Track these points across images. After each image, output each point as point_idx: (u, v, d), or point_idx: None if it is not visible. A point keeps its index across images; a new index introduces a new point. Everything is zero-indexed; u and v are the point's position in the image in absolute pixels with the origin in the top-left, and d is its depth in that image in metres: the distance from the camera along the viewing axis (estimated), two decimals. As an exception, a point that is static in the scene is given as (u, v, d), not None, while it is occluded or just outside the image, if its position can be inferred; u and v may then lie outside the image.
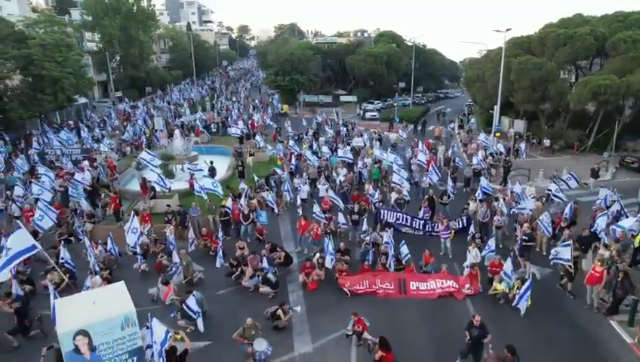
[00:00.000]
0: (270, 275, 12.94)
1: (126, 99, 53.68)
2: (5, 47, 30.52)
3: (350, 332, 10.71)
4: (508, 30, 28.78)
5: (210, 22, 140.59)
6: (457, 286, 12.88)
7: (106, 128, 36.98)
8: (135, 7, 56.44)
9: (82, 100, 44.75)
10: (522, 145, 27.78)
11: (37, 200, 19.18)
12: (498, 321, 11.29)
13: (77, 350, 5.53)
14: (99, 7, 53.27)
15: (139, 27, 57.01)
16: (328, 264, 13.63)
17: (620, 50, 28.10)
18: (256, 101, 55.40)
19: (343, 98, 60.06)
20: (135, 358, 6.15)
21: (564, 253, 12.53)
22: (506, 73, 29.78)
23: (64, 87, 32.12)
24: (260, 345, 9.78)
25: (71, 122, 38.54)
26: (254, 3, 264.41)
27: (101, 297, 6.11)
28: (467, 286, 12.87)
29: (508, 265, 12.42)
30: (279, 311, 11.16)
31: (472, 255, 13.66)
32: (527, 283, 11.66)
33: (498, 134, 28.13)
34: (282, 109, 48.74)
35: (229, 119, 38.21)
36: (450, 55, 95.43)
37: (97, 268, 13.39)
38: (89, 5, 53.54)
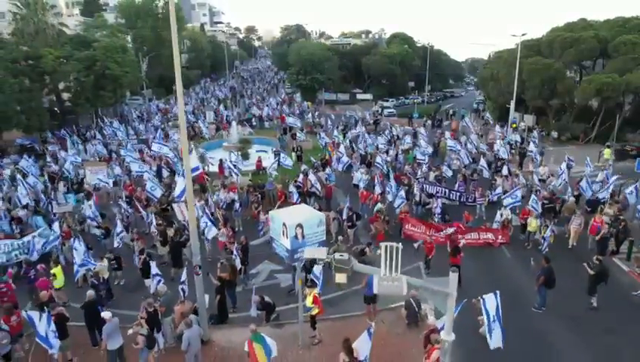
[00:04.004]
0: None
1: (154, 97, 57.66)
2: (71, 50, 34.23)
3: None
4: (523, 35, 32.57)
5: (220, 22, 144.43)
6: (494, 238, 16.64)
7: (151, 121, 40.81)
8: (165, 11, 60.12)
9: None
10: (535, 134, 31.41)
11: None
12: (527, 259, 14.93)
13: (296, 236, 9.19)
14: (132, 11, 57.12)
15: (169, 29, 60.54)
16: (396, 204, 17.78)
17: (621, 51, 31.76)
18: (279, 99, 59.19)
19: (359, 96, 63.84)
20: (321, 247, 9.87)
21: None
22: (518, 72, 33.50)
23: (123, 85, 35.83)
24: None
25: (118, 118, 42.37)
26: (257, 3, 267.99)
27: (299, 209, 9.78)
28: (500, 236, 16.64)
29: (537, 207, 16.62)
30: (366, 249, 14.85)
31: (504, 213, 17.41)
32: (548, 230, 15.42)
33: (514, 125, 31.90)
34: (308, 106, 52.41)
35: (264, 115, 42.19)
36: (453, 55, 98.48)
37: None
38: (123, 9, 57.39)
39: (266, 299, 11.80)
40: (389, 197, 18.89)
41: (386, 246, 4.95)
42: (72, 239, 14.53)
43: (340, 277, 4.96)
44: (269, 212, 10.20)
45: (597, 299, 12.63)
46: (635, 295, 13.03)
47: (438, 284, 5.89)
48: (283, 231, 9.19)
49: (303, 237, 9.21)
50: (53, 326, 9.27)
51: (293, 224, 8.95)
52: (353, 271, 5.43)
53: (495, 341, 8.43)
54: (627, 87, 29.94)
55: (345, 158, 24.04)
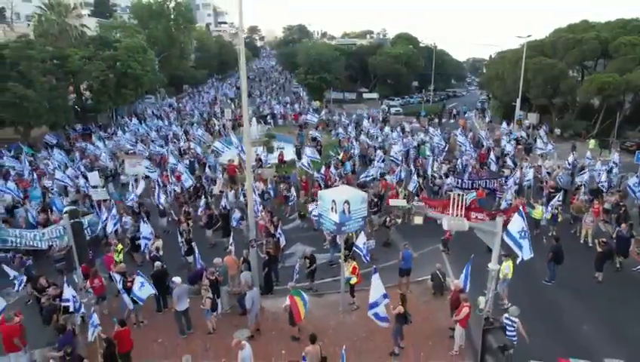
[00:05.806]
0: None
1: (166, 96, 59.20)
2: (94, 50, 35.73)
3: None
4: (529, 36, 34.18)
5: (224, 23, 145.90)
6: (505, 219, 18.07)
7: (169, 118, 42.33)
8: (176, 12, 61.64)
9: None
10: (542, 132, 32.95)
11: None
12: (538, 241, 16.40)
13: (344, 211, 10.67)
14: (145, 12, 58.59)
15: (179, 29, 62.19)
16: (411, 188, 19.58)
17: (621, 52, 33.23)
18: (287, 98, 60.75)
19: (365, 95, 65.35)
20: (364, 222, 11.37)
21: None
22: (523, 72, 35.01)
23: (143, 83, 37.34)
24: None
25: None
26: (258, 3, 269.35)
27: (344, 189, 11.29)
28: (510, 215, 18.11)
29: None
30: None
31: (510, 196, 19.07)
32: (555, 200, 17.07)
33: (519, 122, 33.51)
34: (319, 106, 53.92)
35: (276, 113, 43.78)
36: (454, 55, 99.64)
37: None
38: (136, 10, 58.88)
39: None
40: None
41: (454, 196, 6.41)
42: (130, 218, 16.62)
43: (418, 219, 6.45)
44: (318, 192, 11.75)
45: (602, 275, 14.14)
46: (634, 270, 14.52)
47: (487, 226, 7.36)
48: (332, 207, 10.62)
49: (350, 212, 10.67)
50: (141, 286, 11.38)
51: (342, 200, 10.39)
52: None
53: (525, 253, 9.31)
54: (627, 86, 31.41)
55: (380, 153, 25.57)
